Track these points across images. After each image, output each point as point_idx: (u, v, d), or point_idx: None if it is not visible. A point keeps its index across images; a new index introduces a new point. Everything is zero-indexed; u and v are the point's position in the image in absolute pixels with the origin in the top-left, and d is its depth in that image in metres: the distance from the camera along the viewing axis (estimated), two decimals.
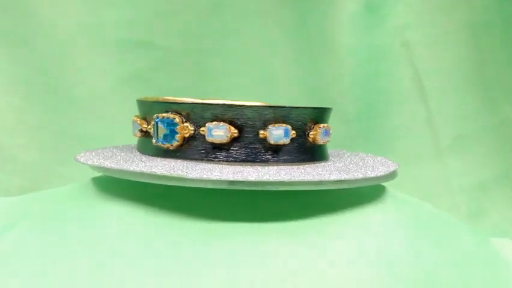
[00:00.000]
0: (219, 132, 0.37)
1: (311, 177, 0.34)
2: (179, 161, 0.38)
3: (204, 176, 0.33)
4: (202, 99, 0.50)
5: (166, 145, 0.38)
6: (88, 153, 0.41)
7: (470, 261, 0.38)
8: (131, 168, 0.35)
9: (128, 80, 0.63)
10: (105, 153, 0.41)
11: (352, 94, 0.65)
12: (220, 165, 0.37)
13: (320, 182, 0.35)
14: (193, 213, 0.36)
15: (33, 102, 0.62)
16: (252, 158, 0.38)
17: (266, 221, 0.35)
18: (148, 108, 0.40)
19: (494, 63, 0.66)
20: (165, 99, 0.49)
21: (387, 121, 0.66)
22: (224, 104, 0.38)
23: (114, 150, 0.43)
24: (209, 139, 0.37)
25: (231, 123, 0.37)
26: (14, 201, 0.46)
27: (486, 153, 0.67)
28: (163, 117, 0.38)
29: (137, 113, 0.43)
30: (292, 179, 0.34)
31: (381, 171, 0.39)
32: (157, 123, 0.38)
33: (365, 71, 0.65)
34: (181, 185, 0.34)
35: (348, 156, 0.45)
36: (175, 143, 0.38)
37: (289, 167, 0.38)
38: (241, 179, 0.33)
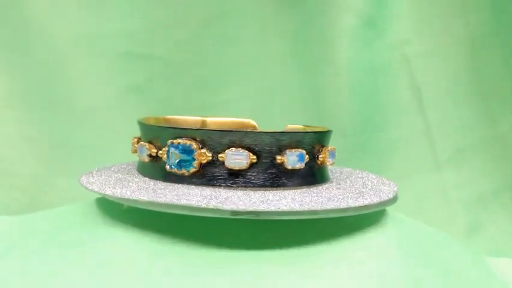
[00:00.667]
0: (239, 158, 0.37)
1: (337, 204, 0.35)
2: (199, 188, 0.37)
3: (241, 208, 0.33)
4: (202, 116, 0.50)
5: (182, 171, 0.37)
6: (92, 178, 0.40)
7: (468, 286, 0.38)
8: (162, 200, 0.34)
9: (127, 91, 0.63)
10: (113, 179, 0.40)
11: (350, 107, 0.65)
12: (241, 192, 0.36)
13: (346, 209, 0.35)
14: (195, 240, 0.36)
15: (32, 114, 0.62)
16: (269, 183, 0.38)
17: (267, 248, 0.35)
18: (156, 132, 0.39)
19: (492, 75, 0.67)
20: (166, 119, 0.48)
21: (386, 134, 0.66)
22: (242, 131, 0.38)
23: (118, 175, 0.42)
24: (229, 165, 0.37)
25: (249, 149, 0.37)
26: (16, 221, 0.45)
27: (484, 165, 0.68)
28: (178, 143, 0.37)
29: (138, 134, 0.42)
30: (326, 207, 0.34)
31: (389, 191, 0.40)
32: (170, 148, 0.37)
33: (364, 84, 0.65)
34: (217, 215, 0.34)
35: (340, 174, 0.46)
36: (192, 170, 0.37)
37: (304, 190, 0.38)
38: (274, 210, 0.33)
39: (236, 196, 0.35)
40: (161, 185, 0.38)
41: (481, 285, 0.39)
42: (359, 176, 0.45)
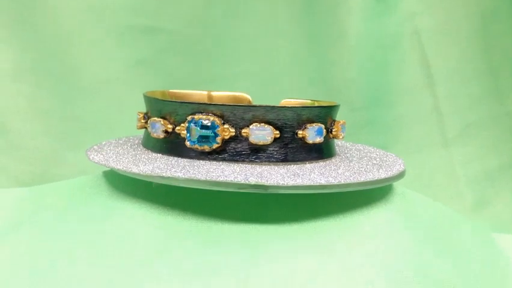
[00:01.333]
0: (263, 133, 0.36)
1: (367, 177, 0.36)
2: (224, 163, 0.37)
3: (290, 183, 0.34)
4: (209, 90, 0.50)
5: (203, 147, 0.37)
6: (102, 155, 0.39)
7: (474, 262, 0.38)
8: (202, 177, 0.33)
9: (136, 65, 0.62)
10: (128, 155, 0.39)
11: (360, 82, 0.64)
12: (267, 167, 0.37)
13: (376, 181, 0.36)
14: (204, 213, 0.36)
15: (42, 89, 0.62)
16: (291, 158, 0.38)
17: (276, 222, 0.35)
18: (172, 108, 0.38)
19: (502, 51, 0.66)
20: (172, 93, 0.47)
21: (394, 109, 0.66)
22: (266, 106, 0.37)
23: (127, 151, 0.41)
24: (253, 141, 0.37)
25: (271, 124, 0.37)
26: (26, 193, 0.45)
27: (492, 142, 0.67)
28: (200, 118, 0.36)
29: (144, 108, 0.41)
30: (359, 180, 0.35)
31: (399, 163, 0.41)
32: (190, 124, 0.37)
33: (373, 58, 0.64)
34: (257, 191, 0.34)
35: (339, 148, 0.46)
36: (215, 145, 0.37)
37: (321, 164, 0.39)
38: (334, 183, 0.34)
39: (266, 171, 0.35)
40: (185, 161, 0.37)
41: (487, 261, 0.40)
42: (359, 149, 0.46)
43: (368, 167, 0.38)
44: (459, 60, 0.66)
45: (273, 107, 0.37)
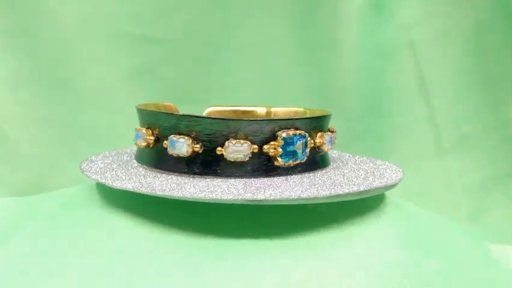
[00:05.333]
0: (329, 141, 0.39)
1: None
2: (312, 174, 0.38)
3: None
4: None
5: (296, 162, 0.37)
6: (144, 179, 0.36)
7: (469, 272, 0.38)
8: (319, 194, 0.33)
9: (133, 74, 0.62)
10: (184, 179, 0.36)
11: (356, 92, 0.64)
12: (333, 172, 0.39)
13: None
14: (200, 227, 0.36)
15: (38, 96, 0.62)
16: (327, 162, 0.41)
17: (270, 235, 0.35)
18: (258, 127, 0.36)
19: (497, 62, 0.66)
20: (166, 105, 0.44)
21: (390, 119, 0.66)
22: (325, 115, 0.39)
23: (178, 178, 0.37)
24: (325, 148, 0.39)
25: (331, 132, 0.40)
26: (18, 203, 0.46)
27: (488, 152, 0.67)
28: (294, 134, 0.36)
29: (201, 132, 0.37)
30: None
31: (400, 172, 0.41)
32: (285, 141, 0.36)
33: (369, 68, 0.64)
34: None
35: (335, 157, 0.47)
36: (305, 159, 0.37)
37: (335, 168, 0.42)
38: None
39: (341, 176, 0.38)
40: (293, 178, 0.36)
41: (482, 270, 0.40)
42: (354, 158, 0.46)
43: (361, 176, 0.39)
44: (454, 70, 0.66)
45: (327, 116, 0.40)
